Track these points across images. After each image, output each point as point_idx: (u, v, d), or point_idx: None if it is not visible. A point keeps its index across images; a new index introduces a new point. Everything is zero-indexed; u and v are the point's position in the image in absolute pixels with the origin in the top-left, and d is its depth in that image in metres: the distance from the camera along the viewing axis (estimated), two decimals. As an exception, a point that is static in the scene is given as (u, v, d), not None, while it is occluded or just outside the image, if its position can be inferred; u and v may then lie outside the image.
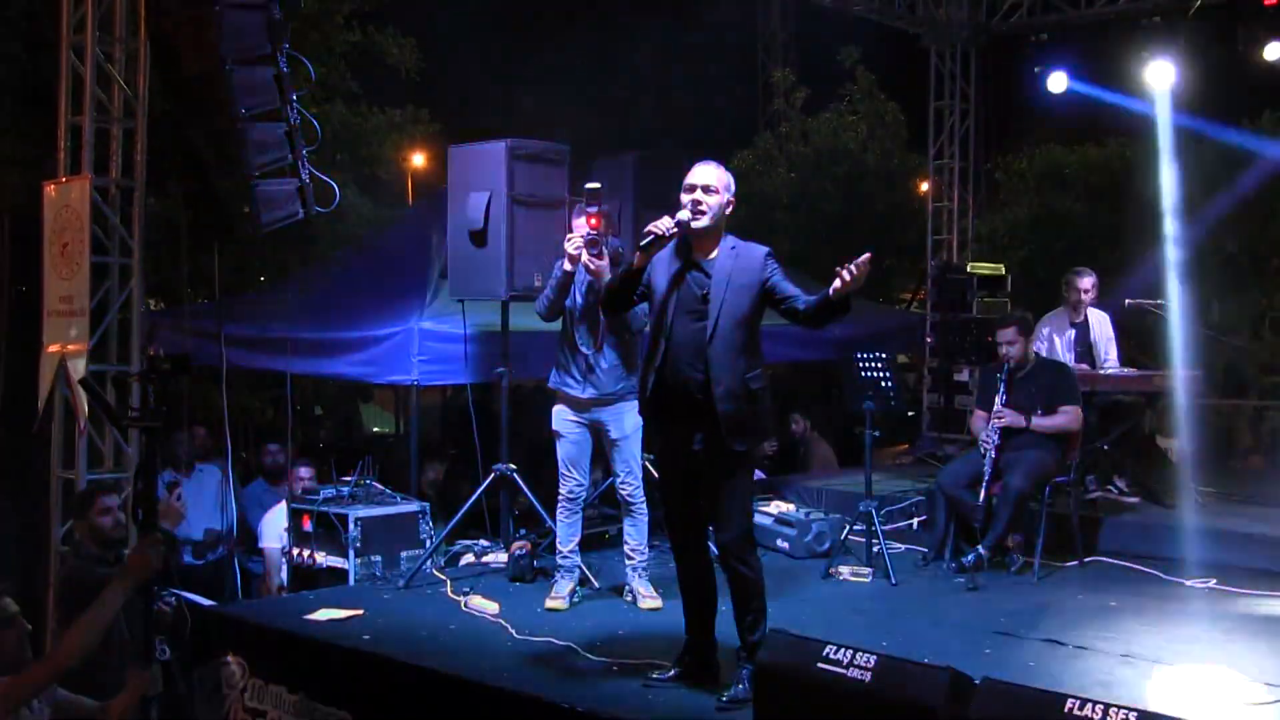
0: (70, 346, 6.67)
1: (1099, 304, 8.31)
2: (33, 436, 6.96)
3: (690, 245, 4.57)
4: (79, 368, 6.57)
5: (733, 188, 4.62)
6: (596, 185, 5.73)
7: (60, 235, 6.80)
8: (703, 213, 4.50)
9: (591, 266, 5.68)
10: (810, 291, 4.56)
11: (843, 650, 3.84)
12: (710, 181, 4.53)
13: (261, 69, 6.53)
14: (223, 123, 6.61)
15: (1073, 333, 8.13)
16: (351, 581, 6.47)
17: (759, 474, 9.13)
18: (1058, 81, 10.77)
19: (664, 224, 4.46)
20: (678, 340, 4.49)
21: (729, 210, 4.59)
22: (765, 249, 4.58)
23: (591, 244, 5.64)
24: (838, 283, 4.23)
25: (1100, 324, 8.16)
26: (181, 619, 4.44)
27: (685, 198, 4.52)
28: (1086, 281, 8.14)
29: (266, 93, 6.54)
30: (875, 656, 3.78)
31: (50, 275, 6.86)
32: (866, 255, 4.24)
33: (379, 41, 11.67)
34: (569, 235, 5.81)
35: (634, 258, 4.56)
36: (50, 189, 6.88)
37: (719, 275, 4.50)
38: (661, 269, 4.58)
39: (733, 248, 4.57)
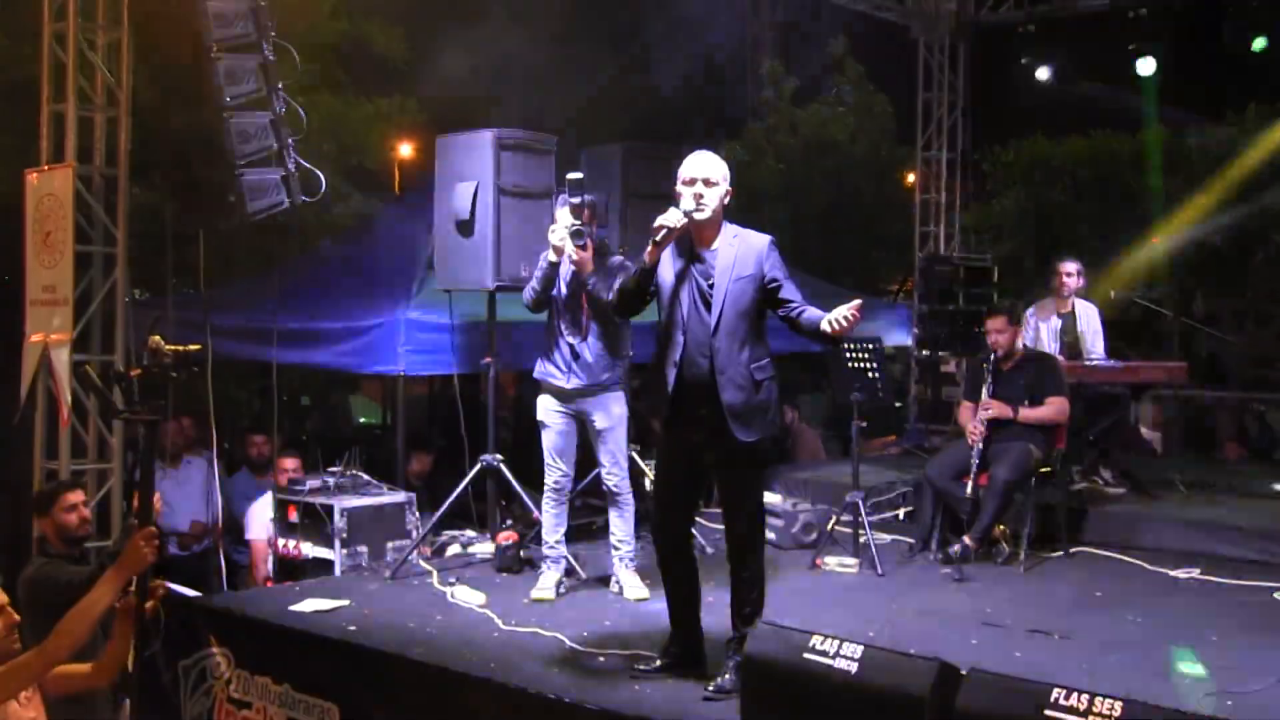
0: (53, 336, 6.63)
1: (1087, 297, 8.32)
2: (15, 427, 6.92)
3: (692, 237, 4.56)
4: (62, 357, 6.54)
5: (729, 176, 4.61)
6: (579, 175, 5.71)
7: (43, 224, 6.75)
8: (705, 205, 4.49)
9: (575, 257, 5.66)
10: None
11: (829, 641, 3.84)
12: (710, 174, 4.52)
13: (247, 58, 6.50)
14: (208, 112, 6.58)
15: (1058, 322, 8.14)
16: (337, 572, 6.45)
17: None
18: (1045, 74, 10.79)
19: (673, 217, 4.45)
20: (691, 333, 4.49)
21: (727, 199, 4.58)
22: (767, 239, 4.57)
23: (576, 235, 5.63)
24: (827, 327, 4.30)
25: (1088, 316, 8.17)
26: (156, 615, 4.40)
27: (685, 190, 4.51)
28: (1070, 266, 8.15)
29: (252, 81, 6.51)
30: (862, 647, 3.78)
31: (33, 264, 6.81)
32: (857, 303, 4.28)
33: (366, 30, 11.61)
34: (553, 226, 5.80)
35: (645, 255, 4.53)
36: (33, 177, 6.84)
37: (722, 266, 4.51)
38: (666, 264, 4.57)
39: (735, 237, 4.56)
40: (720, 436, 4.46)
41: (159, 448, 7.66)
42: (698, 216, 4.48)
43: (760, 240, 4.56)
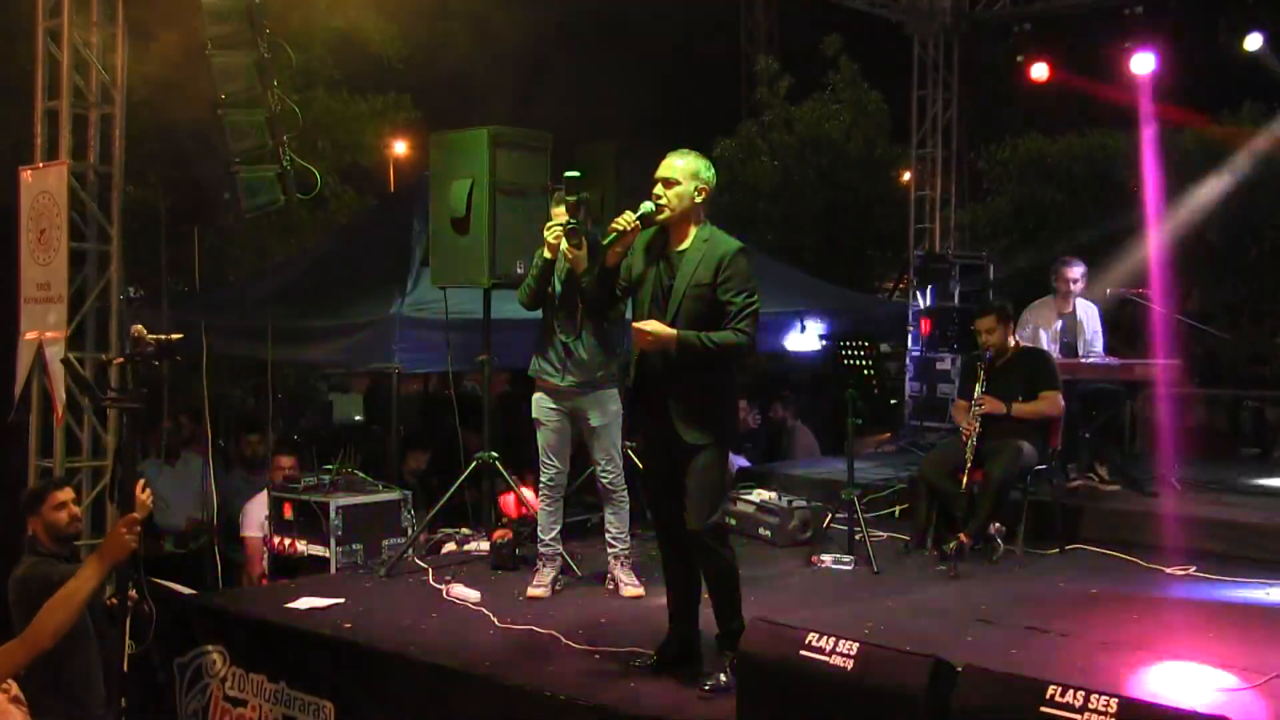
0: (48, 333, 6.61)
1: (1087, 295, 8.29)
2: (9, 425, 6.89)
3: (667, 235, 4.56)
4: (57, 355, 6.52)
5: (702, 174, 4.53)
6: (576, 173, 5.70)
7: (37, 221, 6.73)
8: (664, 205, 4.48)
9: (570, 255, 5.65)
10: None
11: (825, 638, 3.84)
12: (669, 174, 4.50)
13: (242, 54, 6.48)
14: (202, 109, 6.56)
15: (1059, 323, 8.11)
16: (333, 570, 6.45)
17: (744, 462, 9.14)
18: (1040, 71, 10.80)
19: (625, 220, 4.45)
20: None
21: (700, 198, 4.52)
22: (735, 246, 4.48)
23: (571, 233, 5.61)
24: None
25: (1089, 316, 8.15)
26: (146, 614, 4.39)
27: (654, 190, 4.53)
28: (1075, 271, 8.10)
29: (247, 78, 6.50)
30: (857, 644, 3.78)
31: (27, 261, 6.79)
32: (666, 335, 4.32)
33: (361, 28, 11.59)
34: (548, 224, 5.79)
35: (605, 256, 4.55)
36: (27, 175, 6.81)
37: (684, 270, 4.48)
38: (640, 259, 4.58)
39: (705, 240, 4.51)
40: (672, 435, 4.46)
41: (158, 445, 7.71)
42: (658, 217, 4.48)
43: (727, 247, 4.47)
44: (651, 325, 4.37)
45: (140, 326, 3.98)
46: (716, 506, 4.55)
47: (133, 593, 4.50)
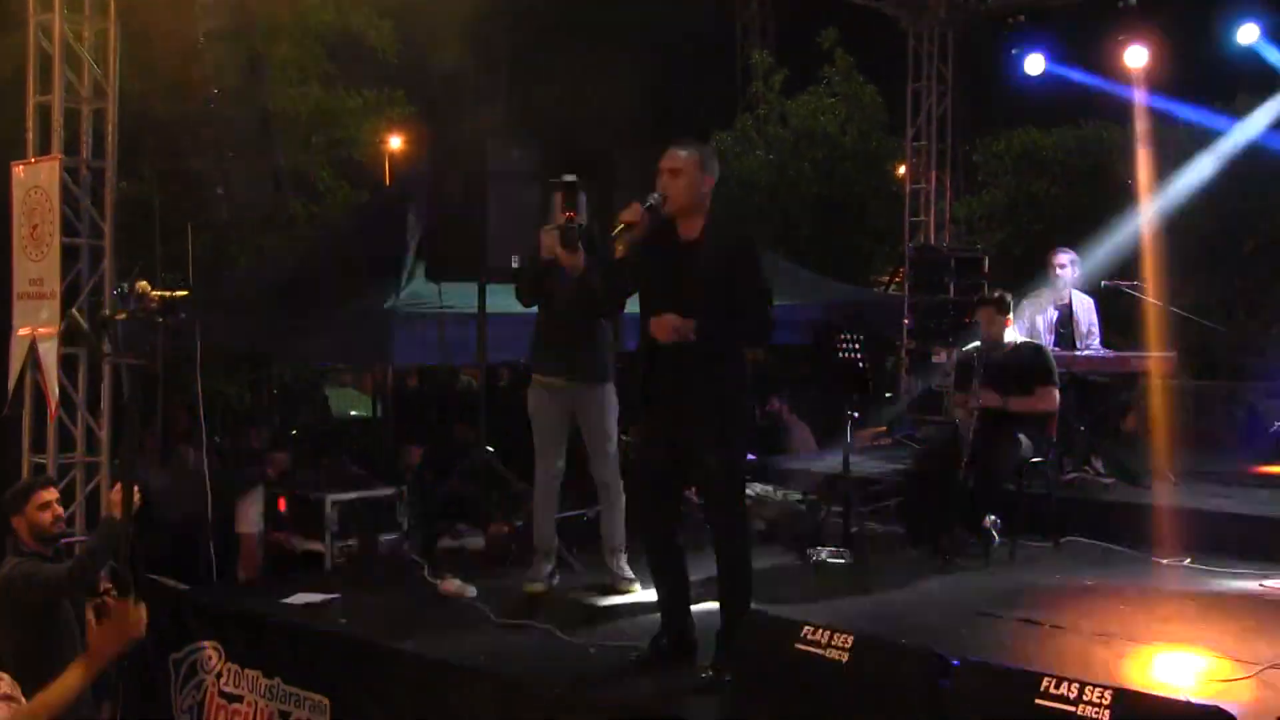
0: (41, 329, 6.60)
1: (1083, 288, 8.29)
2: (3, 421, 6.88)
3: (674, 227, 4.54)
4: (50, 351, 6.50)
5: (706, 164, 4.52)
6: (572, 177, 5.67)
7: (30, 217, 6.72)
8: (668, 195, 4.46)
9: (564, 262, 5.62)
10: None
11: (821, 630, 3.84)
12: (674, 165, 4.47)
13: (235, 49, 6.48)
14: (195, 103, 6.55)
15: (1055, 314, 8.11)
16: (328, 565, 6.44)
17: (750, 455, 9.13)
18: (1035, 64, 10.79)
19: (631, 211, 4.43)
20: None
21: (707, 187, 4.52)
22: (744, 233, 4.51)
23: (566, 239, 5.56)
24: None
25: (1085, 309, 8.14)
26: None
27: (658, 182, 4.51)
28: (1064, 256, 8.12)
29: (240, 73, 6.49)
30: (853, 636, 3.79)
31: (20, 257, 6.78)
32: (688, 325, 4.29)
33: (356, 24, 11.57)
34: (545, 227, 5.75)
35: (613, 250, 4.53)
36: (19, 170, 6.80)
37: (696, 260, 4.47)
38: (649, 252, 4.55)
39: (716, 230, 4.51)
40: (687, 427, 4.45)
41: (151, 437, 7.67)
42: (664, 209, 4.46)
43: (739, 238, 4.49)
44: (669, 319, 4.34)
45: (145, 282, 3.86)
46: (738, 496, 4.60)
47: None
